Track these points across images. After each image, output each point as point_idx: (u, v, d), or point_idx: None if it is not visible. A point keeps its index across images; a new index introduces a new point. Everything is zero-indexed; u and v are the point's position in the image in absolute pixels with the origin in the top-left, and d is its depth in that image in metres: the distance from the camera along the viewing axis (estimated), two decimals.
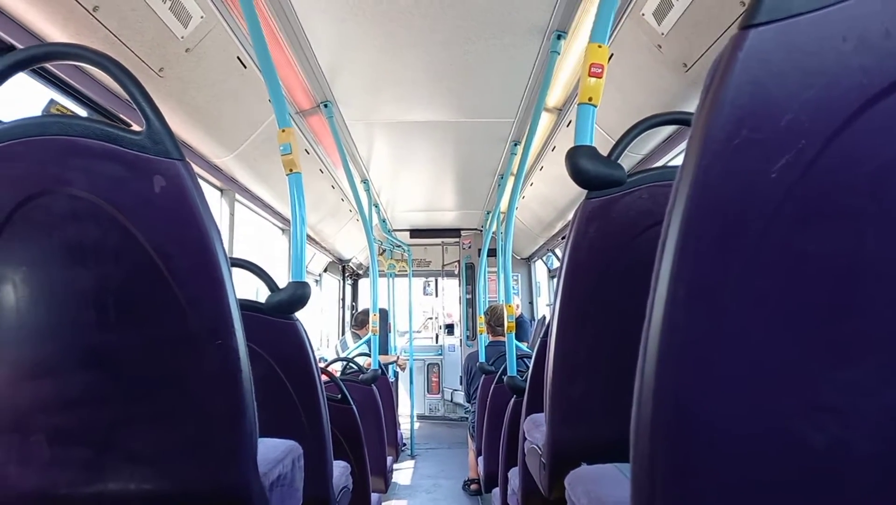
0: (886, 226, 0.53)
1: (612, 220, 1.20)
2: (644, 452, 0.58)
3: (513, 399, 2.50)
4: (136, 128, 0.94)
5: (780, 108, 0.53)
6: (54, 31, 1.75)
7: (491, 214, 5.01)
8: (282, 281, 1.69)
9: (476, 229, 7.42)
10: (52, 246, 0.92)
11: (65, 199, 0.91)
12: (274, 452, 1.26)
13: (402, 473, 5.21)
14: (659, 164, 2.98)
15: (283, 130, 1.91)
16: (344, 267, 7.35)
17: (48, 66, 1.90)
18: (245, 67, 2.51)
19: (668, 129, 2.80)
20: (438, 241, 7.71)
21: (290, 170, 1.92)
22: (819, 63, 0.52)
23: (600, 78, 1.42)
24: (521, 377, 2.52)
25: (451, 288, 8.03)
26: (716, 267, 0.55)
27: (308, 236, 5.21)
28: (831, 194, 0.53)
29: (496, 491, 2.74)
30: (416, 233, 7.40)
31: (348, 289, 7.67)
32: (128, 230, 0.90)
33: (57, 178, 0.91)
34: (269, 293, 1.66)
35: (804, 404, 0.54)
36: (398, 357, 6.10)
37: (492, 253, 5.81)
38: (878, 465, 0.54)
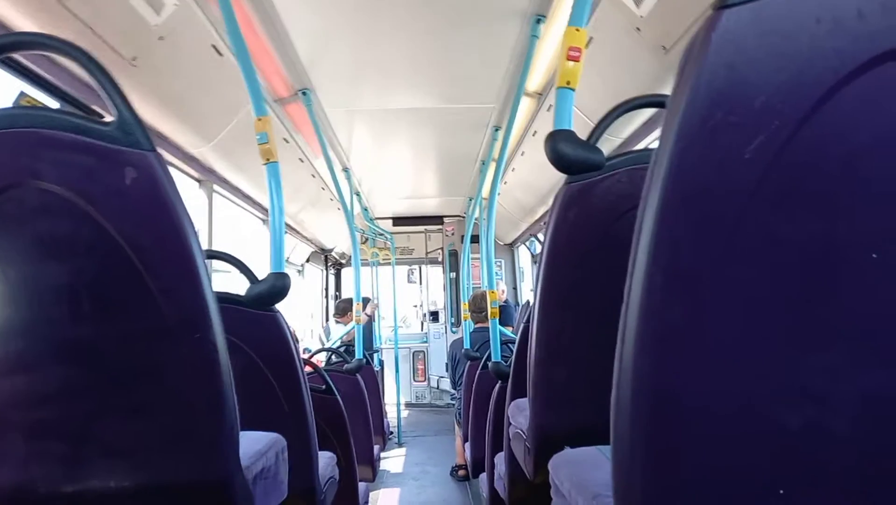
0: (859, 209, 0.53)
1: (591, 205, 1.20)
2: (624, 434, 0.59)
3: (498, 385, 2.51)
4: (108, 119, 0.92)
5: (753, 89, 0.52)
6: (22, 20, 1.70)
7: (473, 201, 4.99)
8: (265, 273, 1.68)
9: (459, 216, 7.38)
10: (23, 240, 0.91)
11: (35, 193, 0.89)
12: (257, 445, 1.25)
13: (390, 461, 5.23)
14: (639, 147, 2.98)
15: (260, 119, 1.89)
16: (326, 257, 7.30)
17: (18, 57, 1.85)
18: (221, 55, 2.46)
19: (648, 112, 2.79)
20: (421, 228, 7.68)
21: (268, 159, 1.90)
22: (793, 45, 0.52)
23: (578, 62, 1.41)
24: (506, 363, 2.53)
25: (436, 275, 8.03)
26: (692, 250, 0.54)
27: (289, 226, 5.16)
28: (805, 177, 0.53)
29: (483, 476, 2.76)
30: (398, 221, 7.34)
31: (331, 279, 7.63)
32: (99, 223, 0.89)
33: (27, 170, 0.89)
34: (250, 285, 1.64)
35: (780, 387, 0.55)
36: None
37: (475, 239, 5.80)
38: (853, 447, 0.55)
